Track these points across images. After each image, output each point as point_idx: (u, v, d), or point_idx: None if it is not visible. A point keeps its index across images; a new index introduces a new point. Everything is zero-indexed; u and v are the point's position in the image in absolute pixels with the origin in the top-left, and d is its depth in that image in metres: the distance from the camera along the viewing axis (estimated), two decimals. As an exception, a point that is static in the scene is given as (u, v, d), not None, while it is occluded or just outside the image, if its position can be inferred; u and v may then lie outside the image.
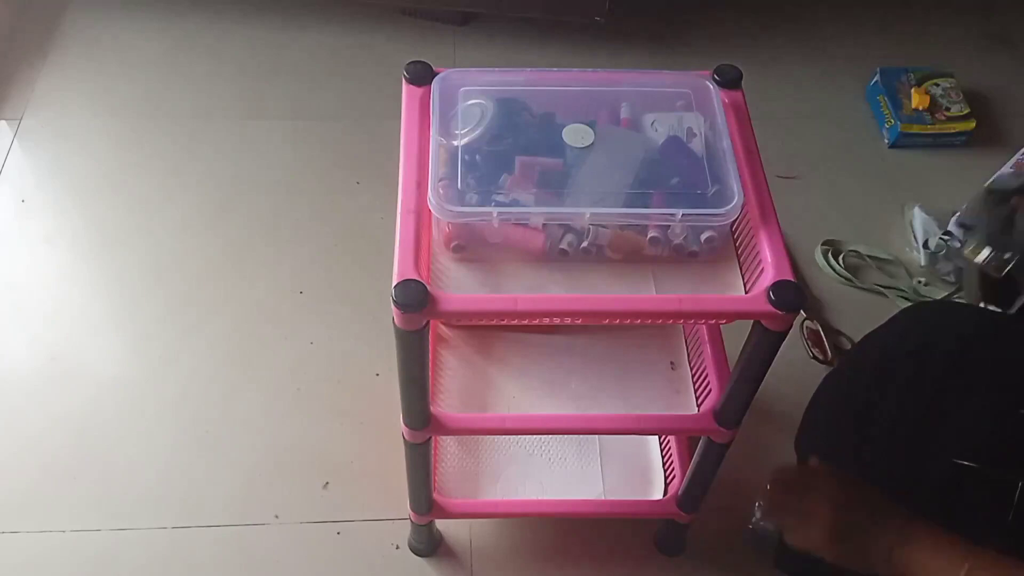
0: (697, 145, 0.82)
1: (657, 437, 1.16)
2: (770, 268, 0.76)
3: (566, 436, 1.14)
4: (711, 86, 0.86)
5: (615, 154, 0.81)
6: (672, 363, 1.01)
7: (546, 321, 0.92)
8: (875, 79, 1.76)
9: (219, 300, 1.44)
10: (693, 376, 0.99)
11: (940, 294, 1.47)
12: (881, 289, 1.48)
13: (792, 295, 0.74)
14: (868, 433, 0.86)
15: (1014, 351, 0.82)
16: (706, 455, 0.98)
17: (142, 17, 1.84)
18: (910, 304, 1.40)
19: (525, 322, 0.96)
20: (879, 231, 1.58)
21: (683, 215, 0.76)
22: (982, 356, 0.82)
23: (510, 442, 1.14)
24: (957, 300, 1.42)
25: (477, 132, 0.81)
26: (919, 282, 1.49)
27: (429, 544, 1.19)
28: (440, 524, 1.20)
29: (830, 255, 1.51)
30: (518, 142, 0.81)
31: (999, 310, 1.32)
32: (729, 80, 0.88)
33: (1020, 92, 1.82)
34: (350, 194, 1.58)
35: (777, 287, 0.74)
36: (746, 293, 0.79)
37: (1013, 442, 0.78)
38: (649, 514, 1.16)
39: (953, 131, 1.70)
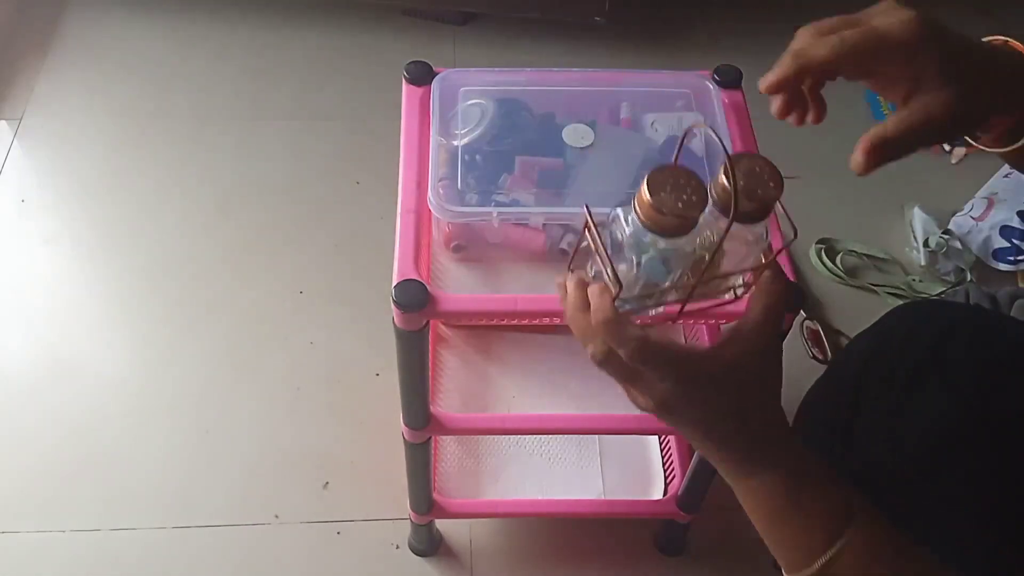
0: (697, 145, 0.82)
1: (657, 437, 1.16)
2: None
3: (566, 436, 1.14)
4: (711, 86, 0.86)
5: (615, 154, 0.81)
6: (672, 363, 1.00)
7: (546, 321, 0.92)
8: (875, 79, 1.76)
9: (219, 300, 1.44)
10: (693, 376, 0.99)
11: (936, 290, 1.47)
12: (874, 287, 1.48)
13: (791, 295, 0.74)
14: (853, 431, 0.86)
15: (993, 347, 0.82)
16: (706, 455, 0.98)
17: (142, 17, 1.84)
18: (901, 303, 1.40)
19: (525, 322, 0.96)
20: (879, 231, 1.58)
21: (683, 215, 0.76)
22: (959, 350, 0.82)
23: (510, 442, 1.14)
24: (948, 299, 1.42)
25: (477, 132, 0.81)
26: (913, 279, 1.49)
27: (429, 544, 1.19)
28: (440, 524, 1.20)
29: (823, 253, 1.51)
30: (518, 142, 0.81)
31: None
32: (729, 80, 0.88)
33: (1020, 92, 1.82)
34: (350, 194, 1.58)
35: (777, 287, 0.74)
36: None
37: (981, 438, 0.78)
38: (649, 514, 1.16)
39: (953, 131, 1.70)
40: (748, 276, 0.60)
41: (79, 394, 1.33)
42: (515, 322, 0.97)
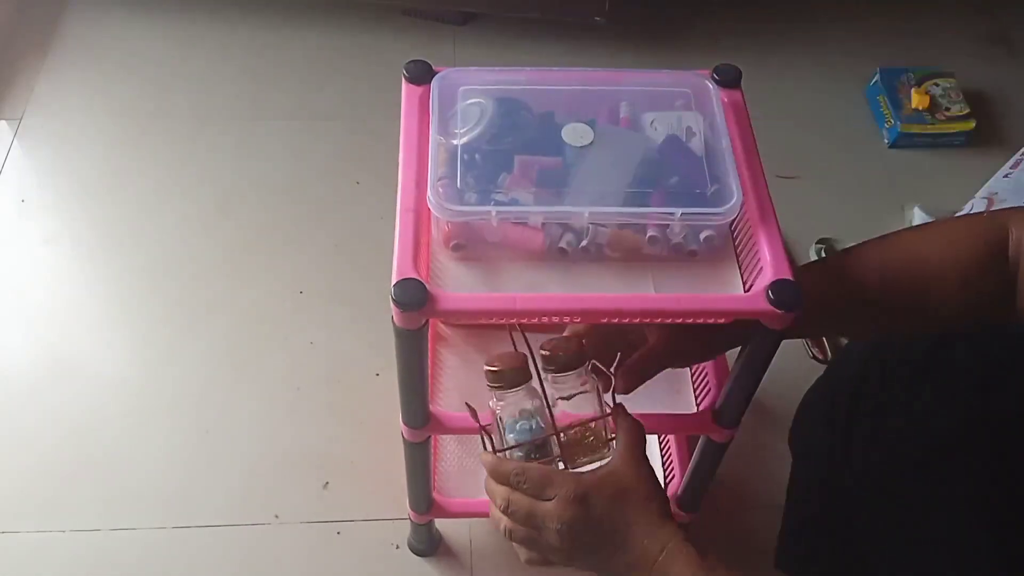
0: (696, 144, 0.82)
1: (656, 437, 1.16)
2: (769, 267, 0.76)
3: (566, 436, 1.14)
4: (710, 85, 0.85)
5: (614, 153, 0.81)
6: (672, 363, 1.00)
7: (545, 320, 0.91)
8: (875, 79, 1.76)
9: (219, 300, 1.44)
10: (692, 375, 0.99)
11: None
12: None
13: (791, 294, 0.74)
14: (853, 431, 0.86)
15: (993, 347, 0.83)
16: (705, 454, 0.98)
17: (142, 17, 1.85)
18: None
19: (524, 321, 0.96)
20: (879, 231, 1.57)
21: (682, 214, 0.76)
22: (959, 350, 0.83)
23: (510, 442, 1.14)
24: None
25: (476, 131, 0.81)
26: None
27: (429, 544, 1.19)
28: (440, 524, 1.20)
29: (823, 253, 1.51)
30: (517, 141, 0.81)
31: None
32: (729, 79, 0.88)
33: (1020, 92, 1.82)
34: (350, 194, 1.58)
35: (776, 286, 0.74)
36: (745, 292, 0.79)
37: (981, 438, 0.78)
38: (649, 514, 1.15)
39: (953, 131, 1.70)
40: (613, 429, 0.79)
41: (79, 394, 1.33)
42: (514, 321, 0.97)
